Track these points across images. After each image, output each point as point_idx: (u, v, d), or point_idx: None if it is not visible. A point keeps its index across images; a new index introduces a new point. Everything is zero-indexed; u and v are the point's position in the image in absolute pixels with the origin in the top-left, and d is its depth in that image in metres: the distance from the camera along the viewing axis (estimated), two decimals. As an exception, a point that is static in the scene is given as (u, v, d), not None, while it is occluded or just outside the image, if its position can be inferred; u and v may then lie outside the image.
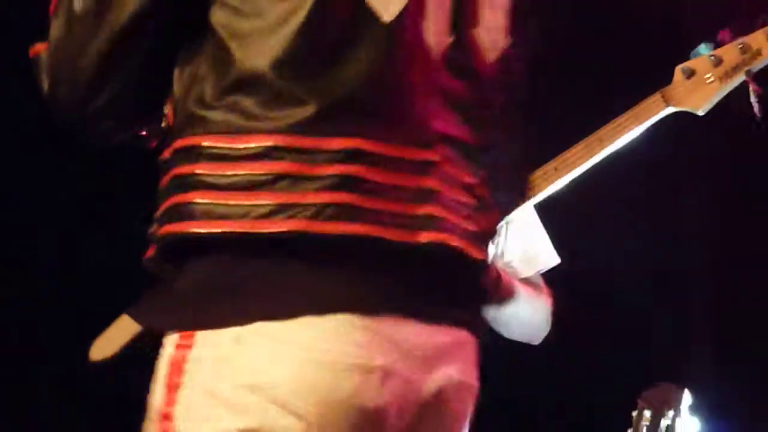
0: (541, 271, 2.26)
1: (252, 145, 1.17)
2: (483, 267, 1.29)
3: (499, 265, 2.15)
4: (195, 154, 1.20)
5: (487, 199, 1.29)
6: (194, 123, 1.21)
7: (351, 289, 1.21)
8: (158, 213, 1.26)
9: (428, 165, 1.22)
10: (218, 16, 1.22)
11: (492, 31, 1.30)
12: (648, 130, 2.11)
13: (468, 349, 1.28)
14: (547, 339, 2.23)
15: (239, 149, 1.18)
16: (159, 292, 1.30)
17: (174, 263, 1.23)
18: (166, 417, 1.21)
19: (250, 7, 1.23)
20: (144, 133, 1.37)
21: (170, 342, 1.21)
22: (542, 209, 2.22)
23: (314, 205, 1.16)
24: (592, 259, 3.03)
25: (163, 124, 1.33)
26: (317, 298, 1.20)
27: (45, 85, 1.32)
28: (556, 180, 2.17)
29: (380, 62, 1.22)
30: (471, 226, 1.24)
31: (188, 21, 1.26)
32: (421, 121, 1.22)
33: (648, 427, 2.15)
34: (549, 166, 2.17)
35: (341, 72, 1.21)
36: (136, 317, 1.37)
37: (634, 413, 2.19)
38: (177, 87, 1.27)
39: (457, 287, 1.27)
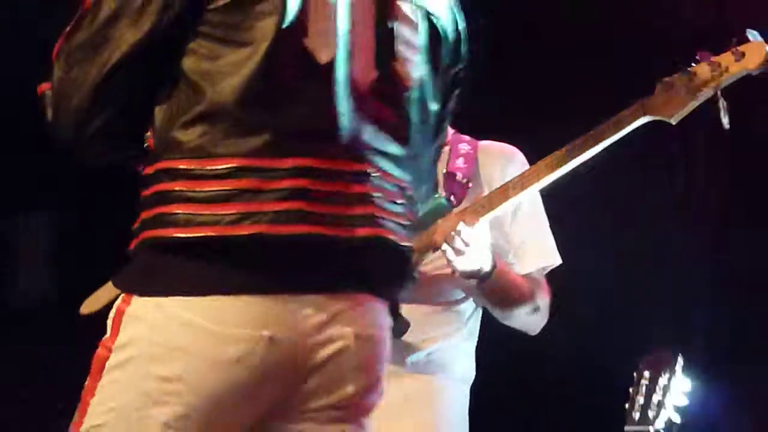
0: (543, 269, 2.44)
1: (219, 167, 1.44)
2: (411, 251, 1.59)
3: (503, 260, 2.34)
4: (174, 174, 1.46)
5: (413, 198, 1.59)
6: (173, 148, 1.47)
7: (253, 276, 1.48)
8: (143, 219, 1.52)
9: (363, 175, 1.50)
10: (190, 61, 1.49)
11: (407, 63, 1.58)
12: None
13: (370, 309, 1.55)
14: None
15: (210, 170, 1.45)
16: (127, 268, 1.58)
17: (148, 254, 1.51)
18: (105, 346, 1.52)
19: (215, 54, 1.49)
20: (129, 155, 1.59)
21: (120, 298, 1.53)
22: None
23: (272, 212, 1.45)
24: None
25: (145, 146, 1.54)
26: (225, 283, 1.48)
27: (49, 114, 1.56)
28: (544, 177, 2.31)
29: (320, 97, 1.50)
30: (403, 220, 1.54)
31: (166, 64, 1.51)
32: (355, 141, 1.51)
33: (647, 386, 2.37)
34: (540, 164, 2.33)
35: (289, 106, 1.48)
36: (113, 282, 1.64)
37: (635, 374, 2.41)
38: (157, 117, 1.51)
39: (386, 268, 1.56)
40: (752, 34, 2.22)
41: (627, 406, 2.39)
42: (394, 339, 1.92)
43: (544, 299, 2.43)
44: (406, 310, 2.06)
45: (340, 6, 1.53)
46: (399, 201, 1.57)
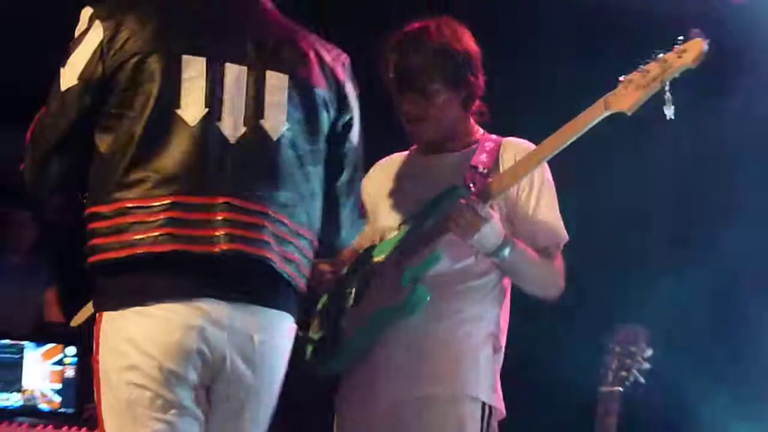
0: (554, 245, 2.61)
1: (116, 206, 2.03)
2: (270, 262, 2.08)
3: (517, 237, 2.51)
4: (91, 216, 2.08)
5: (265, 218, 2.10)
6: (96, 198, 2.08)
7: (180, 285, 2.03)
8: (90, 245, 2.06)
9: (220, 206, 2.04)
10: (99, 137, 2.07)
11: (273, 120, 2.12)
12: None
13: (271, 321, 2.11)
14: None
15: (108, 210, 2.04)
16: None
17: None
18: (96, 360, 2.09)
19: (112, 125, 2.06)
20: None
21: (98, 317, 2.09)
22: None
23: (153, 236, 2.01)
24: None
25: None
26: (165, 293, 2.03)
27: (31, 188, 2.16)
28: (534, 164, 2.49)
29: (188, 151, 2.04)
30: (260, 236, 2.08)
31: (89, 138, 2.07)
32: (215, 182, 2.05)
33: (618, 354, 2.70)
34: (530, 153, 2.51)
35: (164, 159, 2.02)
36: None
37: (610, 345, 2.72)
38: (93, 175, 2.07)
39: (254, 279, 2.09)
40: (694, 32, 2.37)
41: (602, 370, 2.69)
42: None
43: (556, 268, 2.61)
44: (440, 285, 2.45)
45: (212, 82, 2.07)
46: (257, 222, 2.08)
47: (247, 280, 2.07)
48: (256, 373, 2.09)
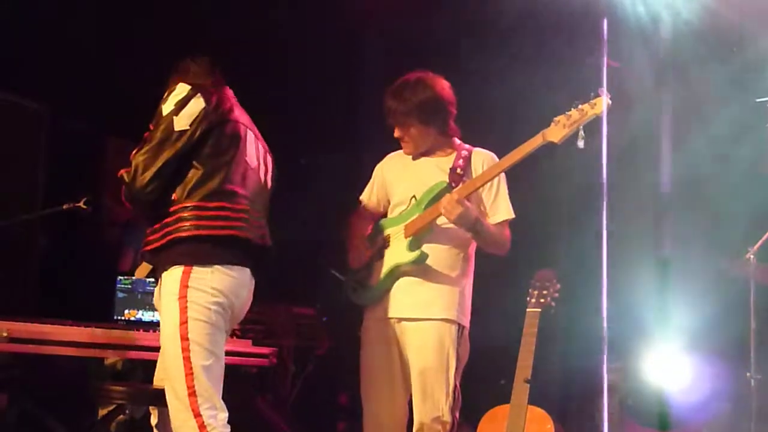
0: (505, 220, 3.57)
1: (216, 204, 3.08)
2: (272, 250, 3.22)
3: (481, 216, 3.47)
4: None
5: (265, 225, 3.19)
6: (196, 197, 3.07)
7: (240, 257, 3.08)
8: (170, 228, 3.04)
9: (262, 217, 3.17)
10: (198, 160, 3.07)
11: (270, 173, 3.34)
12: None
13: (253, 285, 3.19)
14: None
15: (210, 207, 3.06)
16: (166, 255, 3.06)
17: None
18: (183, 297, 3.00)
19: (201, 164, 3.06)
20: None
21: (179, 268, 3.02)
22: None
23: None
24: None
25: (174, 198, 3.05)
26: (237, 259, 3.08)
27: (126, 189, 3.04)
28: (497, 172, 3.44)
29: (251, 184, 3.17)
30: (264, 232, 3.18)
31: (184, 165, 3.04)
32: (261, 203, 3.20)
33: (538, 286, 3.59)
34: (494, 165, 3.46)
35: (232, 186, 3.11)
36: (156, 259, 3.13)
37: (532, 281, 3.63)
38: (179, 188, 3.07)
39: (262, 261, 3.18)
40: (601, 90, 3.21)
41: (527, 299, 3.59)
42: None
43: (505, 236, 3.56)
44: (432, 248, 3.45)
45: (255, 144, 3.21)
46: (261, 225, 3.20)
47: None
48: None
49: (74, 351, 3.37)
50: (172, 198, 3.06)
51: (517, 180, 3.65)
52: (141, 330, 3.71)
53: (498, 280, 4.36)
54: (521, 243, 3.75)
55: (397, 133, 3.62)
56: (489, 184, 3.53)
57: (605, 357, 3.59)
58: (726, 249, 4.75)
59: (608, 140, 3.39)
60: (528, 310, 3.63)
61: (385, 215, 3.75)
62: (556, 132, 3.27)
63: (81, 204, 3.58)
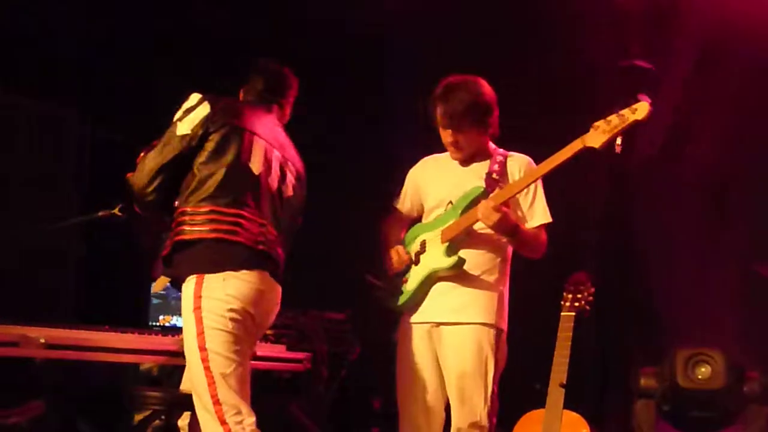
0: (541, 225, 3.52)
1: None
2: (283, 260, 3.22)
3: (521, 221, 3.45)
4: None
5: (278, 237, 3.18)
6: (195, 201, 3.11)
7: (252, 260, 3.06)
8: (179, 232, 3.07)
9: (262, 224, 3.13)
10: (195, 165, 3.10)
11: (289, 182, 3.31)
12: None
13: (277, 290, 3.19)
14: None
15: (201, 211, 3.07)
16: (176, 262, 3.09)
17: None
18: (197, 309, 3.01)
19: (198, 170, 3.08)
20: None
21: (192, 279, 3.04)
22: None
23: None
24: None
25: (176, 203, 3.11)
26: (248, 263, 3.07)
27: (131, 189, 3.11)
28: (536, 177, 3.35)
29: (250, 189, 3.12)
30: (262, 239, 3.13)
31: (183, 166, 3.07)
32: (262, 209, 3.14)
33: (572, 290, 3.57)
34: (533, 169, 3.42)
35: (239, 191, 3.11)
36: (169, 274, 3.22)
37: (566, 285, 3.62)
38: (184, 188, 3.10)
39: (278, 266, 3.18)
40: (643, 96, 3.16)
41: (561, 302, 3.57)
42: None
43: (541, 240, 3.51)
44: (469, 253, 3.42)
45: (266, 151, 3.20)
46: (273, 237, 3.17)
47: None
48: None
49: (110, 357, 3.40)
50: (175, 204, 3.12)
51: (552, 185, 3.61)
52: (176, 336, 3.71)
53: (532, 283, 4.31)
54: (554, 244, 3.70)
55: (448, 138, 3.55)
56: (525, 189, 3.50)
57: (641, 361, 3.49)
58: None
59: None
60: (562, 313, 3.60)
61: (418, 220, 3.73)
62: (595, 138, 3.23)
63: (116, 211, 3.59)
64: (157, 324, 4.26)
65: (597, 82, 4.97)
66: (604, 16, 5.06)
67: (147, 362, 3.89)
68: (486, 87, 3.54)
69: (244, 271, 3.08)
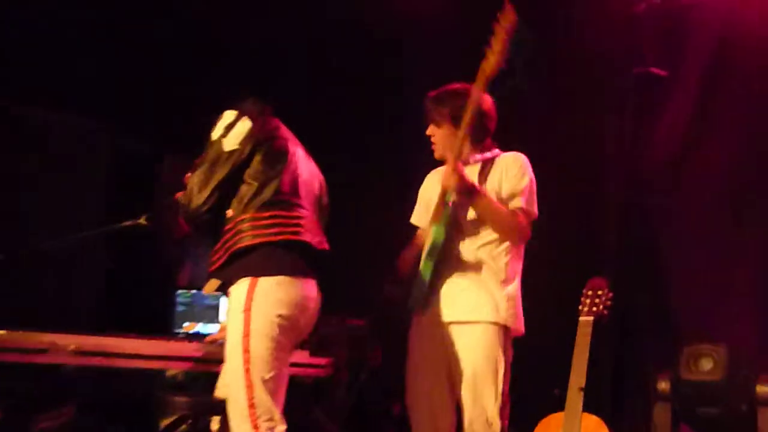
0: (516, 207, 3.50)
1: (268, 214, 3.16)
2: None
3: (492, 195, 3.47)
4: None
5: (322, 233, 3.27)
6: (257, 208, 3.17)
7: (304, 267, 3.15)
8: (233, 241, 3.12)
9: (318, 226, 3.27)
10: (247, 177, 3.16)
11: (323, 188, 3.41)
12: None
13: (320, 299, 3.25)
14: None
15: (264, 216, 3.13)
16: (232, 267, 3.12)
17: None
18: (247, 310, 3.03)
19: (253, 179, 3.15)
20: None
21: (246, 281, 3.06)
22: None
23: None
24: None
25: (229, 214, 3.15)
26: (301, 269, 3.14)
27: (182, 210, 3.14)
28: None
29: (302, 195, 3.25)
30: (322, 238, 3.26)
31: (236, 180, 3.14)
32: (314, 213, 3.28)
33: (590, 296, 3.56)
34: None
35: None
36: (223, 275, 3.20)
37: (584, 290, 3.62)
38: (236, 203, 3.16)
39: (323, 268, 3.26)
40: (505, 8, 3.25)
41: (579, 307, 3.58)
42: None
43: (516, 221, 3.48)
44: (477, 252, 3.47)
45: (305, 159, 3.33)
46: (320, 233, 3.29)
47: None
48: None
49: (137, 363, 3.44)
50: (229, 215, 3.14)
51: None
52: (200, 342, 3.75)
53: (551, 289, 4.36)
54: (571, 249, 3.76)
55: (428, 131, 3.68)
56: (512, 174, 3.54)
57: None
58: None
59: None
60: (581, 318, 3.61)
61: None
62: (490, 63, 3.34)
63: (141, 221, 3.64)
64: (183, 331, 4.30)
65: (612, 87, 4.93)
66: (620, 23, 5.06)
67: (173, 369, 3.94)
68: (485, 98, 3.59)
69: (298, 278, 3.14)
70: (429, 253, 3.55)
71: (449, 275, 3.55)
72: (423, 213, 3.78)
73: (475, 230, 3.54)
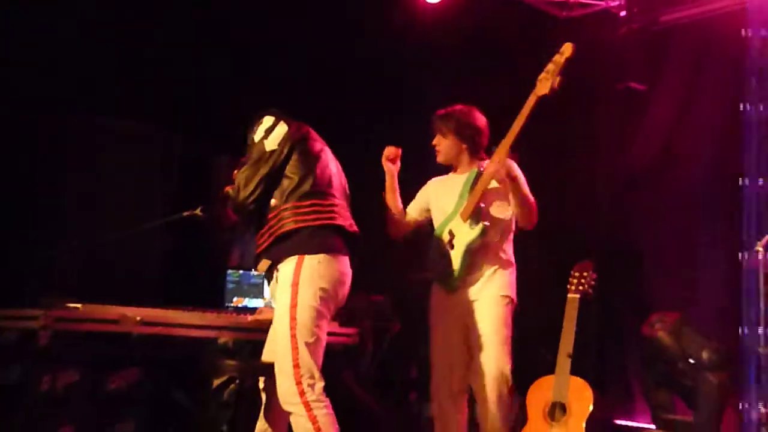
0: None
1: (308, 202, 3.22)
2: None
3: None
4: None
5: (352, 219, 3.32)
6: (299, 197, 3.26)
7: (341, 246, 3.19)
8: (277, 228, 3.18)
9: (349, 213, 3.30)
10: (287, 172, 3.24)
11: (344, 181, 3.40)
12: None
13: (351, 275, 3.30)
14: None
15: (305, 205, 3.18)
16: (279, 248, 3.15)
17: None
18: (295, 284, 3.12)
19: (293, 173, 3.22)
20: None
21: (293, 259, 3.13)
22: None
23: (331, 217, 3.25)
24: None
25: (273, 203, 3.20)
26: (338, 248, 3.19)
27: (231, 202, 3.22)
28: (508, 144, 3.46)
29: (335, 186, 3.29)
30: (352, 222, 3.31)
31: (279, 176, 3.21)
32: (345, 202, 3.31)
33: (577, 276, 3.68)
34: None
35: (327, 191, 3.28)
36: (270, 256, 3.22)
37: (572, 271, 3.74)
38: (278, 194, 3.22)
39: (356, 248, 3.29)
40: (564, 43, 3.35)
41: (568, 286, 3.68)
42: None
43: (536, 209, 3.61)
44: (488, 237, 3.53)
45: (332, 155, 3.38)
46: (349, 216, 3.30)
47: None
48: None
49: (193, 332, 3.52)
50: (272, 204, 3.24)
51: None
52: (247, 315, 3.86)
53: (545, 269, 4.43)
54: (563, 237, 3.79)
55: (434, 141, 3.81)
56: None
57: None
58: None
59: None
60: (569, 296, 3.72)
61: (416, 225, 3.90)
62: (543, 86, 3.37)
63: (197, 212, 3.72)
64: (232, 305, 4.39)
65: (593, 102, 4.95)
66: (606, 44, 5.09)
67: (224, 337, 4.01)
68: (477, 114, 3.73)
69: (336, 256, 3.23)
70: (464, 245, 3.60)
71: (475, 260, 3.64)
72: (417, 208, 3.90)
73: (497, 221, 3.64)
